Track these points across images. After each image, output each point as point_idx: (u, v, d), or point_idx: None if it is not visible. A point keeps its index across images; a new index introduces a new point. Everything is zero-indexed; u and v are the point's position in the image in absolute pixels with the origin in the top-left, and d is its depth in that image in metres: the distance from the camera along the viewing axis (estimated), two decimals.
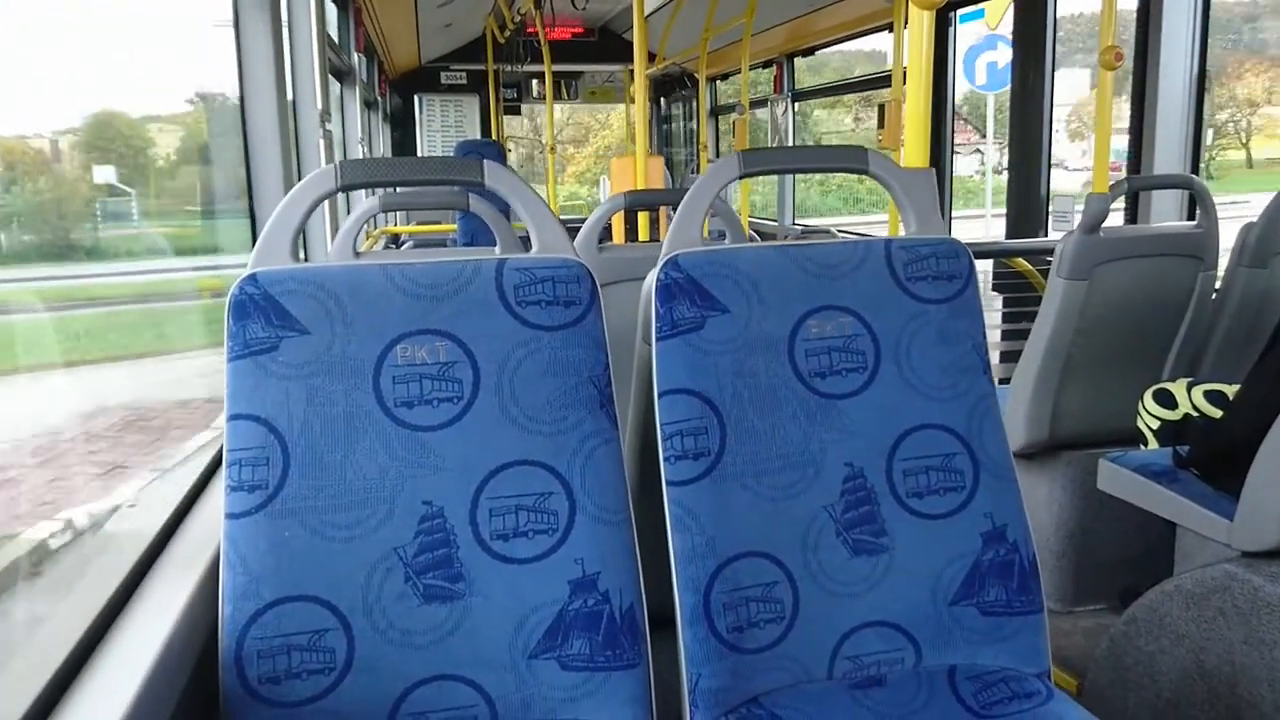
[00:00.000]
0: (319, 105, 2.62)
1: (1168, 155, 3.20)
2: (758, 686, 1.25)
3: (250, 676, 1.12)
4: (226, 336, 1.18)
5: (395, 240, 5.95)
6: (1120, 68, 2.50)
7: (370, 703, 1.15)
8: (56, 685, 0.94)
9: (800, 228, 7.08)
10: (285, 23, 2.35)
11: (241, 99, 2.14)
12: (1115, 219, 2.81)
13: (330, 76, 4.16)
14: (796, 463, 1.30)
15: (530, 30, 7.15)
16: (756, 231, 6.99)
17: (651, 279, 1.31)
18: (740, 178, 1.40)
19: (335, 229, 2.49)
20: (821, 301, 1.34)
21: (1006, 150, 4.04)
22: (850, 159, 1.43)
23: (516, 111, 10.17)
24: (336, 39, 4.75)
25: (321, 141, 2.65)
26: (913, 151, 1.54)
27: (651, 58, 6.97)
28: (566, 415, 1.23)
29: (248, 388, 1.17)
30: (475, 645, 1.18)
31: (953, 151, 4.74)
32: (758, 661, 1.25)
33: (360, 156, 5.42)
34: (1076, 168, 15.07)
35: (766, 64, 7.22)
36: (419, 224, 6.32)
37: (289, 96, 2.34)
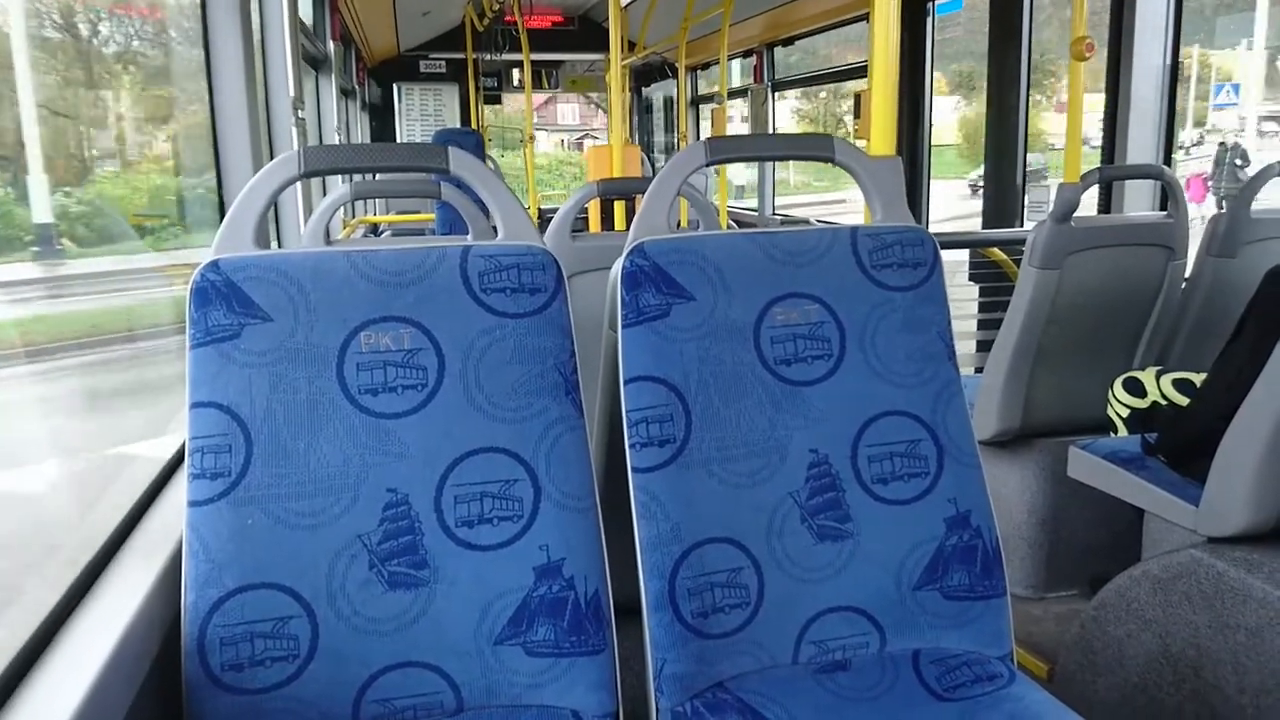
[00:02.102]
0: (291, 93, 2.61)
1: (1140, 145, 3.22)
2: (723, 671, 1.26)
3: (213, 664, 1.11)
4: (189, 323, 1.17)
5: (375, 229, 5.93)
6: (1091, 58, 2.51)
7: (335, 690, 1.15)
8: (14, 672, 0.93)
9: (780, 217, 7.08)
10: (256, 9, 2.34)
11: (210, 85, 2.12)
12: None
13: (305, 64, 4.13)
14: (761, 449, 1.30)
15: (509, 20, 7.12)
16: (736, 220, 7.00)
17: (618, 266, 1.31)
18: (707, 165, 1.40)
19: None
20: (787, 289, 1.34)
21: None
22: (817, 147, 1.43)
23: (497, 100, 10.13)
24: (311, 26, 4.71)
25: (294, 129, 2.63)
26: (878, 140, 1.55)
27: (631, 47, 6.95)
28: (531, 402, 1.23)
29: (210, 375, 1.16)
30: (440, 632, 1.18)
31: (930, 142, 4.75)
32: (723, 647, 1.26)
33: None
34: None
35: (746, 54, 7.21)
36: (398, 213, 6.30)
37: (260, 84, 2.32)
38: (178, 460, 1.48)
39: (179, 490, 1.33)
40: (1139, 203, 3.30)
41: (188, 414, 1.16)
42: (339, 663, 1.15)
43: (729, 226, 3.15)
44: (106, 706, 0.93)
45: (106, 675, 0.94)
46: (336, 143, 5.36)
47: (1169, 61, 3.20)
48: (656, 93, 10.68)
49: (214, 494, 1.14)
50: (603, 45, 8.40)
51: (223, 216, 1.26)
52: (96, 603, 1.08)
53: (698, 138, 8.76)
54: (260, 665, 1.13)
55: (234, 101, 2.13)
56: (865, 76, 4.44)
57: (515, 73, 9.47)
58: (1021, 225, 3.87)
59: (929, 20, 4.56)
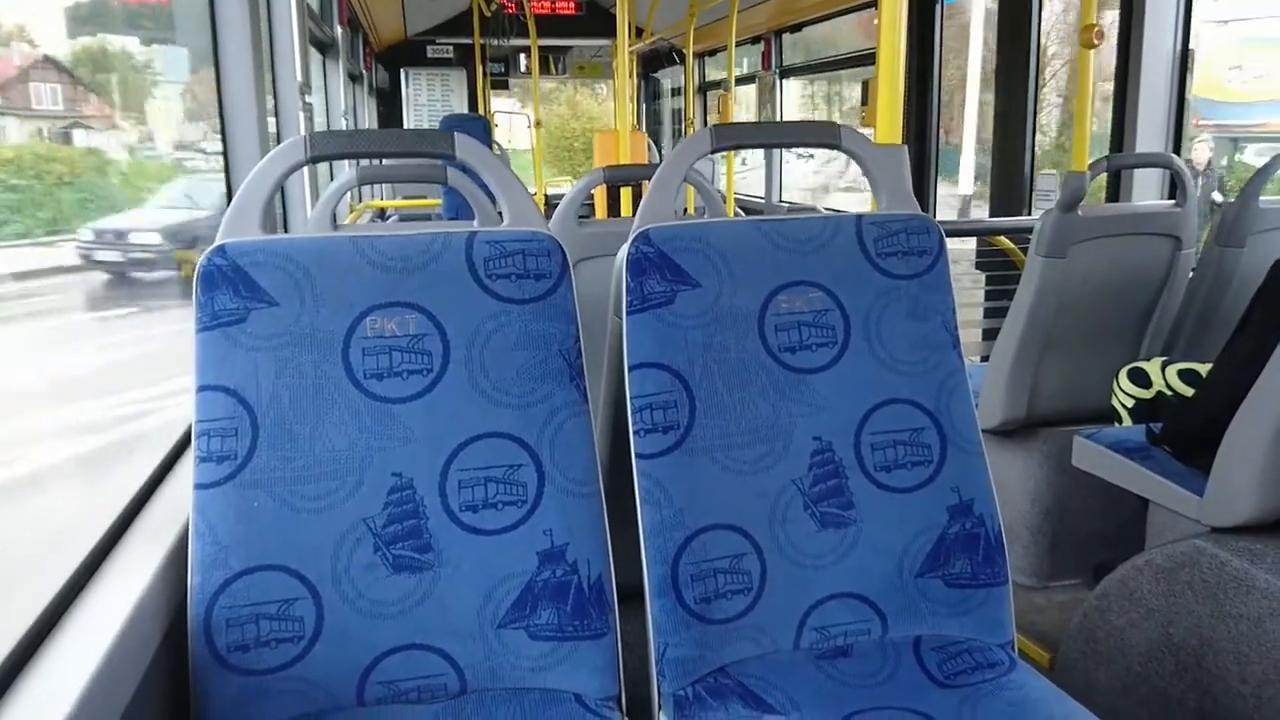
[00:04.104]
0: (299, 77, 2.60)
1: (1149, 134, 3.20)
2: (725, 656, 1.26)
3: (219, 645, 1.12)
4: (195, 307, 1.18)
5: (382, 214, 5.93)
6: (1099, 46, 2.49)
7: (339, 671, 1.16)
8: (22, 652, 0.94)
9: (787, 204, 7.07)
10: None
11: (217, 69, 2.12)
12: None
13: (313, 49, 4.12)
14: (765, 436, 1.31)
15: (509, 9, 7.11)
16: (743, 209, 6.99)
17: (623, 253, 1.31)
18: (712, 152, 1.40)
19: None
20: (792, 276, 1.34)
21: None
22: (822, 134, 1.43)
23: (504, 86, 10.12)
24: (319, 11, 4.71)
25: (302, 114, 2.63)
26: (884, 128, 1.55)
27: (639, 33, 6.94)
28: (536, 388, 1.23)
29: (216, 359, 1.17)
30: (444, 615, 1.19)
31: (939, 131, 4.73)
32: (725, 632, 1.27)
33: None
34: None
35: (755, 40, 7.19)
36: (405, 198, 6.30)
37: (267, 68, 2.32)
38: (184, 443, 1.49)
39: (185, 473, 1.34)
40: (1147, 192, 3.28)
41: (194, 397, 1.17)
42: (344, 644, 1.16)
43: (736, 214, 3.16)
44: (113, 687, 0.94)
45: (113, 656, 0.95)
46: (344, 128, 5.36)
47: (1179, 49, 3.18)
48: (664, 79, 10.65)
49: (220, 477, 1.15)
50: (610, 31, 8.38)
51: (229, 200, 1.27)
52: (103, 585, 1.09)
53: (705, 124, 8.72)
54: (266, 646, 1.14)
55: (241, 86, 2.13)
56: (874, 64, 4.42)
57: (523, 58, 9.46)
58: (1029, 213, 3.85)
59: (938, 7, 4.54)
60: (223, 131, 2.13)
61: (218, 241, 1.21)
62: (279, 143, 2.36)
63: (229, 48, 2.12)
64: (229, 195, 2.12)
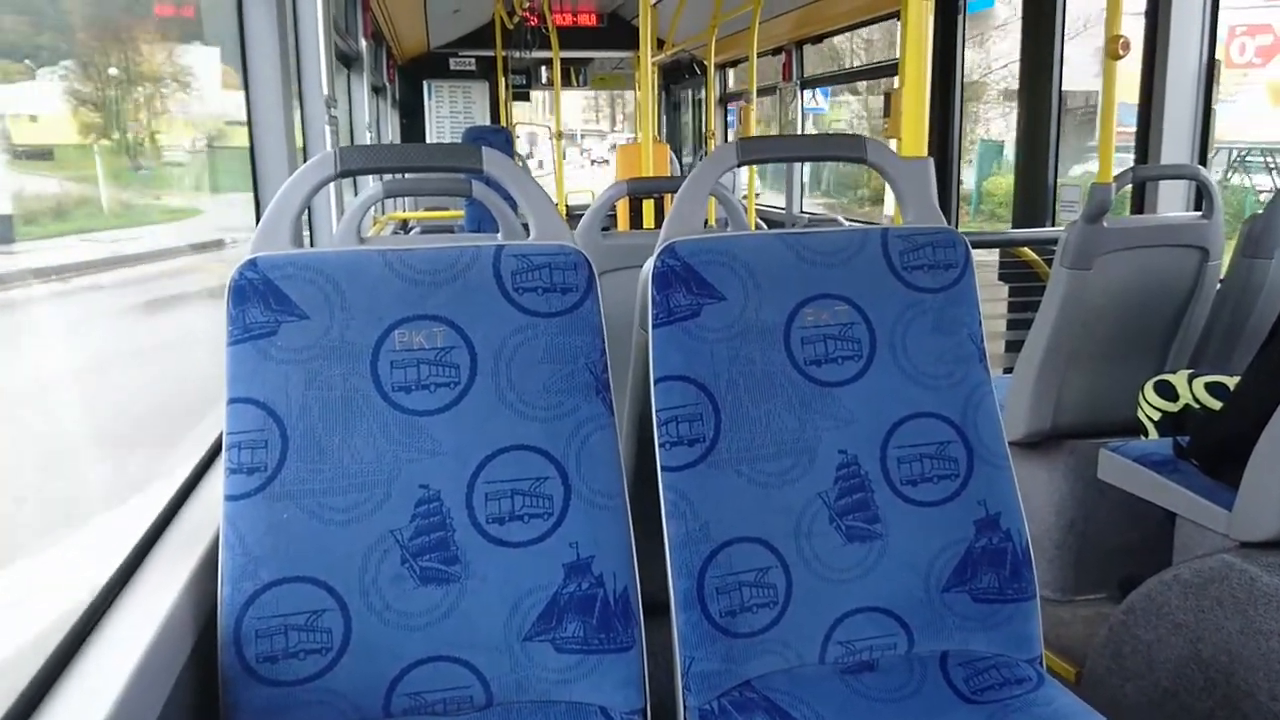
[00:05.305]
0: (325, 91, 2.63)
1: (1174, 146, 3.18)
2: (750, 670, 1.26)
3: (248, 656, 1.13)
4: (227, 320, 1.19)
5: (404, 226, 5.98)
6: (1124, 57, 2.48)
7: (367, 682, 1.16)
8: (56, 661, 0.96)
9: (808, 216, 7.06)
10: (290, 8, 2.36)
11: (246, 84, 2.14)
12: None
13: (337, 62, 4.16)
14: (791, 449, 1.31)
15: (531, 22, 7.16)
16: (764, 220, 6.99)
17: (649, 266, 1.32)
18: (738, 165, 1.41)
19: (342, 215, 2.50)
20: (818, 290, 1.34)
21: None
22: (848, 148, 1.43)
23: (526, 98, 10.18)
24: (344, 24, 4.75)
25: (328, 127, 2.66)
26: (910, 141, 1.55)
27: (661, 44, 6.96)
28: (563, 401, 1.24)
29: (247, 372, 1.18)
30: (470, 627, 1.19)
31: (961, 143, 4.72)
32: (750, 646, 1.27)
33: (368, 143, 5.44)
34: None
35: (776, 51, 7.20)
36: (427, 209, 6.34)
37: (294, 82, 2.35)
38: (214, 454, 1.50)
39: (215, 484, 1.36)
40: (1173, 203, 3.26)
41: (225, 409, 1.18)
42: (371, 656, 1.17)
43: (757, 226, 3.17)
44: (145, 696, 0.95)
45: (145, 666, 0.96)
46: (368, 140, 5.41)
47: (1205, 61, 3.16)
48: (685, 91, 10.68)
49: (250, 489, 1.16)
50: (632, 43, 8.41)
51: (258, 215, 1.29)
52: (135, 595, 1.10)
53: (726, 136, 8.75)
54: (294, 657, 1.15)
55: (269, 101, 2.16)
56: (896, 75, 4.41)
57: (544, 70, 9.52)
58: (1053, 225, 3.84)
59: (960, 18, 4.53)
60: (251, 144, 2.16)
61: (249, 255, 1.22)
62: (306, 156, 2.39)
63: (258, 63, 2.14)
64: (257, 209, 2.14)
